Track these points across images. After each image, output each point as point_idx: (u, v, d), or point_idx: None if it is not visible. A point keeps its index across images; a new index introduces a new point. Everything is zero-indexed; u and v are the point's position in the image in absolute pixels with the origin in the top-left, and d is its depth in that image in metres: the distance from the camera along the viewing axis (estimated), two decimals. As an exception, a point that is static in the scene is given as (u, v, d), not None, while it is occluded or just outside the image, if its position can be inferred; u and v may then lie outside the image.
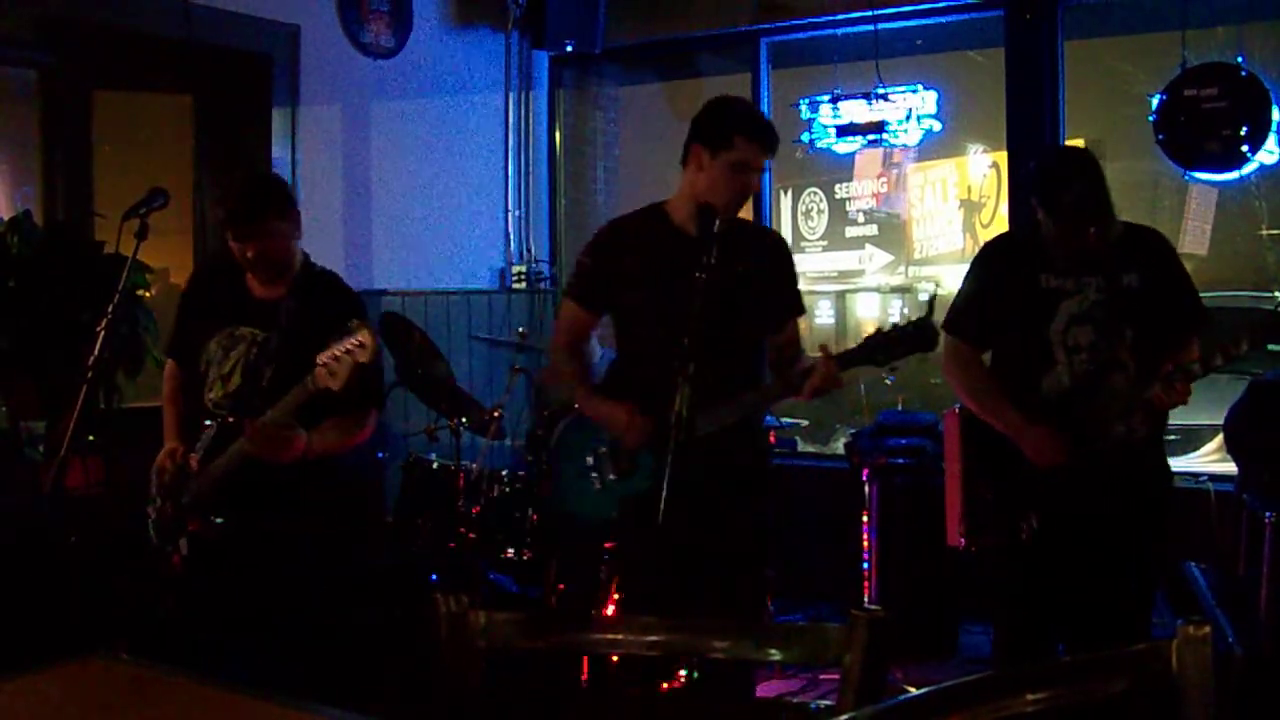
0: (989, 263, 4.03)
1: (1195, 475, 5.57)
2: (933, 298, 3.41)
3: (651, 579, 3.60)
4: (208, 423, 3.73)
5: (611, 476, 3.69)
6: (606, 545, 4.48)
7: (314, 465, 3.72)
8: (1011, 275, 3.86)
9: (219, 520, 3.68)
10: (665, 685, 4.03)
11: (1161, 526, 3.87)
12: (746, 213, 5.21)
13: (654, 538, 3.41)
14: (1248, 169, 5.48)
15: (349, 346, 3.46)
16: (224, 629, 3.67)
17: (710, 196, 3.55)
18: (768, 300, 3.71)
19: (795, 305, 3.83)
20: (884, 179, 10.85)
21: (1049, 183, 3.76)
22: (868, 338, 3.42)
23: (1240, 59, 5.43)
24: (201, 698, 2.01)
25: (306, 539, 3.79)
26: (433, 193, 6.78)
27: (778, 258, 3.81)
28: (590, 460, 3.74)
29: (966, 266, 4.15)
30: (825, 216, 11.85)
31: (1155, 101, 5.49)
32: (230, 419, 3.67)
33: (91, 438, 3.93)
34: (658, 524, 3.27)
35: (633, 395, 3.63)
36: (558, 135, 7.62)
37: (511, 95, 7.26)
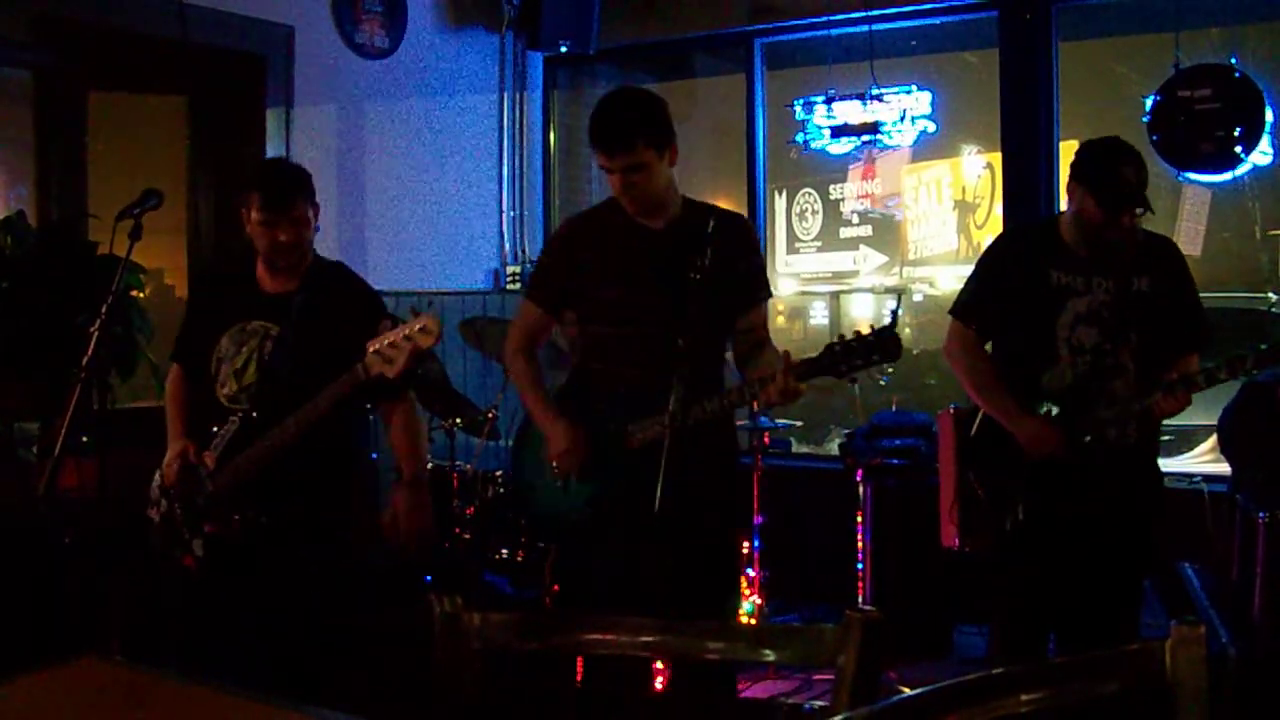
0: (1001, 253, 4.06)
1: (1189, 476, 5.57)
2: (897, 307, 3.32)
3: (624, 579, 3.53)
4: (232, 418, 3.65)
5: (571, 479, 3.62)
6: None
7: (337, 460, 3.75)
8: (1023, 268, 3.88)
9: (237, 517, 3.61)
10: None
11: (1149, 527, 3.89)
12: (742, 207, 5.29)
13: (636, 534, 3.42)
14: (1241, 170, 5.49)
15: (408, 332, 3.44)
16: (238, 630, 3.62)
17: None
18: (729, 289, 3.57)
19: (758, 291, 3.70)
20: (877, 179, 10.85)
21: (1102, 163, 3.74)
22: (828, 346, 3.30)
23: (1234, 60, 5.44)
24: (195, 699, 2.01)
25: (329, 536, 3.74)
26: (427, 193, 6.78)
27: (738, 242, 3.64)
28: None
29: (961, 267, 4.18)
30: (819, 217, 11.85)
31: (1149, 102, 5.50)
32: (255, 414, 3.62)
33: (85, 439, 3.91)
34: (648, 520, 3.24)
35: (594, 396, 3.61)
36: (552, 136, 7.62)
37: (506, 96, 7.26)
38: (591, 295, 3.62)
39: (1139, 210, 3.73)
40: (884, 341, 3.20)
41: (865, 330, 3.24)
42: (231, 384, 3.71)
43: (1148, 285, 3.80)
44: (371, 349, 3.45)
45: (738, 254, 3.60)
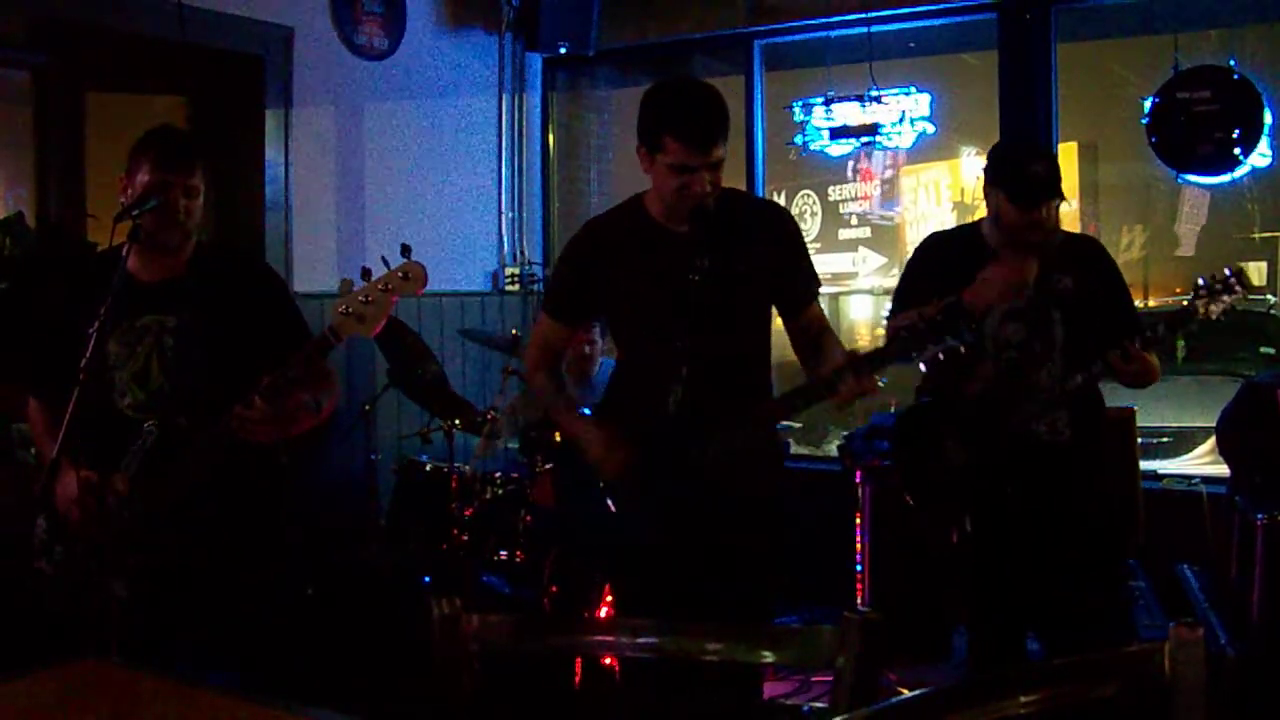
0: (929, 253, 4.19)
1: (1188, 477, 5.58)
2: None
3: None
4: (146, 429, 3.18)
5: (614, 508, 3.37)
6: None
7: (263, 458, 3.33)
8: (950, 267, 3.95)
9: (172, 539, 3.17)
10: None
11: (1106, 525, 3.98)
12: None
13: (652, 576, 3.32)
14: (1240, 172, 5.49)
15: (388, 283, 2.98)
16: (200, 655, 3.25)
17: (661, 198, 3.26)
18: (777, 289, 3.37)
19: (810, 287, 3.45)
20: (874, 181, 10.86)
21: (1008, 162, 3.84)
22: (895, 331, 3.09)
23: (1232, 62, 5.44)
24: (192, 701, 2.00)
25: (266, 536, 3.43)
26: (426, 194, 6.77)
27: (782, 236, 3.40)
28: (601, 485, 3.40)
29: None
30: (818, 219, 11.86)
31: (1148, 104, 5.50)
32: (182, 421, 3.19)
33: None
34: (654, 562, 3.21)
35: (630, 409, 3.37)
36: (551, 137, 7.62)
37: (505, 97, 7.26)
38: (618, 306, 3.41)
39: (1055, 201, 3.78)
40: (954, 319, 2.97)
41: (930, 310, 3.02)
42: (134, 393, 3.25)
43: (1071, 283, 3.88)
44: (339, 309, 3.02)
45: (777, 248, 3.35)
